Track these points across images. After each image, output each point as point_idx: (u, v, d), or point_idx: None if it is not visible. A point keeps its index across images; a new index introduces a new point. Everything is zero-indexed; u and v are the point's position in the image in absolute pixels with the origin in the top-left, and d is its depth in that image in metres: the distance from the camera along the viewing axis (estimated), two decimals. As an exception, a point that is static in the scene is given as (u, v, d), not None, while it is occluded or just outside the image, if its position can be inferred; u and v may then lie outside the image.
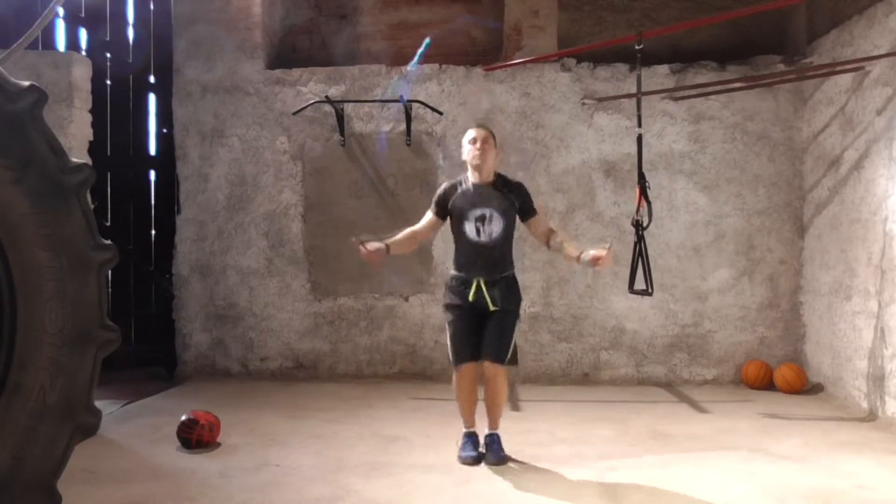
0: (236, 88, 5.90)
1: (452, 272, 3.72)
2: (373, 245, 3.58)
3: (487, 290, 3.58)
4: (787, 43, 5.83)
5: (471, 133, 3.70)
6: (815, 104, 5.45)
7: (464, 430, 3.78)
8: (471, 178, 3.71)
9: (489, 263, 3.62)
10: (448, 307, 3.72)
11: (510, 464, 3.63)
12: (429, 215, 3.79)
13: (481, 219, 3.60)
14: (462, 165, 3.84)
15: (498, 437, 3.73)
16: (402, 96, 5.52)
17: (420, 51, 5.60)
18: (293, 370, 5.88)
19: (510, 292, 3.67)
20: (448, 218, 3.73)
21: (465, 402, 3.73)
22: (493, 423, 3.75)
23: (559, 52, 5.58)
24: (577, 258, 3.56)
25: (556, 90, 5.74)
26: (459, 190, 3.70)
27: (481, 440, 3.75)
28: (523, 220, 3.73)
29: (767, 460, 3.71)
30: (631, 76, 5.56)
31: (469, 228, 3.62)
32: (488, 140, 3.66)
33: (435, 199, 3.78)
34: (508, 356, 3.61)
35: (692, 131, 5.70)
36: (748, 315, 5.68)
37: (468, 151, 3.68)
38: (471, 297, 3.59)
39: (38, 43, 6.19)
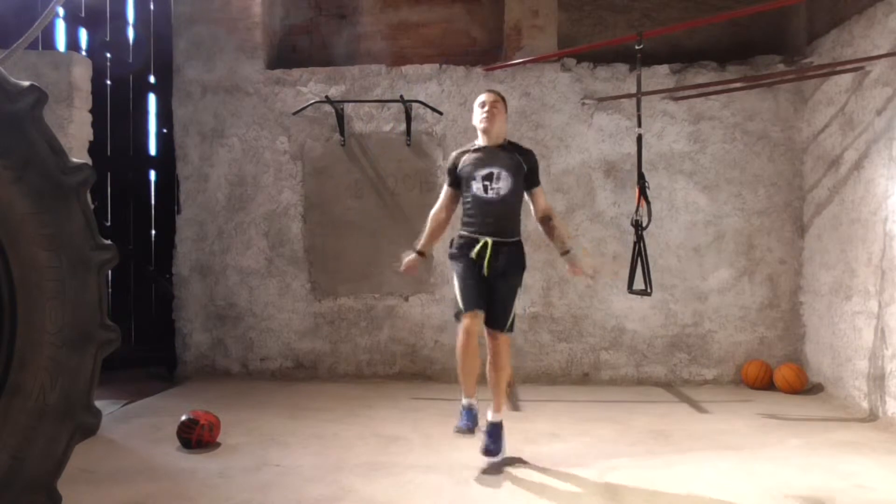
0: (236, 88, 5.90)
1: (460, 231, 3.69)
2: (406, 261, 3.71)
3: (493, 253, 3.54)
4: (787, 43, 5.83)
5: (481, 97, 3.73)
6: (815, 104, 5.45)
7: (462, 400, 3.64)
8: (480, 141, 3.73)
9: (497, 223, 3.60)
10: (454, 259, 3.68)
11: (510, 464, 3.62)
12: (445, 189, 3.82)
13: (489, 177, 3.60)
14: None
15: (500, 427, 3.65)
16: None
17: None
18: (293, 370, 5.88)
19: (516, 260, 3.65)
20: (460, 184, 3.73)
21: (467, 365, 3.56)
22: (497, 404, 3.66)
23: (559, 52, 5.58)
24: (562, 252, 3.70)
25: (556, 90, 5.74)
26: (467, 154, 3.72)
27: (480, 420, 3.71)
28: (527, 187, 3.72)
29: (767, 460, 3.71)
30: (631, 76, 5.56)
31: (476, 186, 3.61)
32: (497, 104, 3.68)
33: (447, 169, 3.82)
34: (510, 321, 3.62)
35: (692, 131, 5.70)
36: (748, 315, 5.68)
37: (477, 115, 3.71)
38: (475, 254, 3.55)
39: (38, 43, 6.19)
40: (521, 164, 3.67)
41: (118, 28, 6.51)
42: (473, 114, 3.77)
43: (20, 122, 2.04)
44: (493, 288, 3.58)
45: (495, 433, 3.66)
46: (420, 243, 3.81)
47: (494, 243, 3.56)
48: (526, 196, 3.76)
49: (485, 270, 3.55)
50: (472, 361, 3.57)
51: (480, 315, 3.54)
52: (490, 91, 3.79)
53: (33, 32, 2.53)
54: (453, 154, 3.82)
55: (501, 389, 3.69)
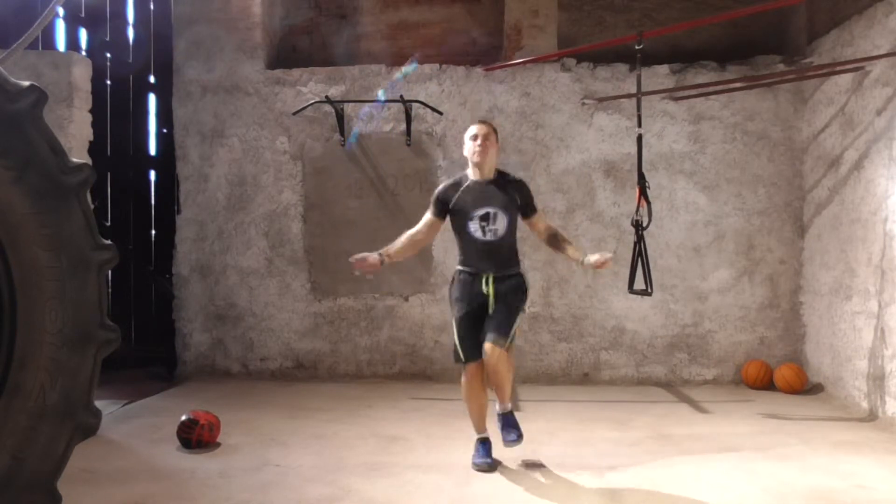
0: (236, 88, 5.90)
1: (459, 267, 3.67)
2: (367, 257, 3.60)
3: (495, 287, 3.54)
4: (787, 43, 5.83)
5: (472, 129, 3.64)
6: (815, 104, 5.45)
7: (476, 436, 3.68)
8: (471, 175, 3.66)
9: (496, 261, 3.59)
10: (455, 303, 3.66)
11: (509, 465, 3.62)
12: (427, 216, 3.72)
13: (485, 217, 3.56)
14: (462, 164, 3.83)
15: (510, 415, 3.60)
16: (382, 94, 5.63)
17: (406, 69, 5.69)
18: (293, 370, 5.88)
19: (517, 289, 3.63)
20: (448, 217, 3.67)
21: (475, 406, 3.63)
22: (502, 399, 3.59)
23: (559, 52, 5.58)
24: (581, 262, 3.61)
25: (556, 90, 5.74)
26: (461, 189, 3.64)
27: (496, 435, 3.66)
28: (524, 217, 3.69)
29: (767, 460, 3.71)
30: (631, 76, 5.56)
31: (473, 227, 3.57)
32: (490, 136, 3.61)
33: (434, 198, 3.71)
34: (508, 341, 3.50)
35: (692, 131, 5.70)
36: (748, 315, 5.68)
37: (469, 148, 3.63)
38: (483, 290, 3.54)
39: (38, 43, 6.19)
40: (515, 198, 3.62)
41: (118, 28, 6.51)
42: (465, 146, 3.66)
43: (20, 122, 2.04)
44: (493, 310, 3.54)
45: (511, 421, 3.59)
46: (388, 251, 3.66)
47: (496, 277, 3.56)
48: (525, 223, 3.72)
49: (490, 306, 3.54)
50: (479, 402, 3.62)
51: (482, 362, 3.52)
52: (482, 122, 3.70)
53: (33, 32, 2.53)
54: (444, 186, 3.73)
55: (507, 387, 3.58)
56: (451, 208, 3.64)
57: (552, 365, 5.74)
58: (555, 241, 3.71)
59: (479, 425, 3.68)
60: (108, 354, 2.24)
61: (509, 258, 3.65)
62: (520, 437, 3.56)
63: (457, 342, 3.60)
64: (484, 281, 3.55)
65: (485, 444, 3.66)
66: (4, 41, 3.58)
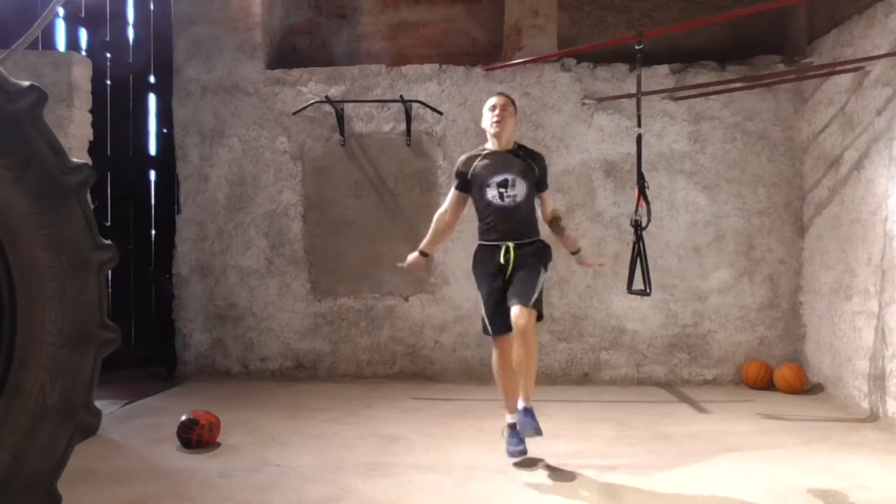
0: (236, 88, 5.90)
1: (479, 241, 3.70)
2: (410, 258, 3.75)
3: (515, 254, 3.55)
4: (787, 43, 5.83)
5: (491, 100, 3.69)
6: (815, 104, 5.45)
7: (507, 419, 3.67)
8: (490, 145, 3.70)
9: (515, 227, 3.60)
10: (478, 276, 3.69)
11: (510, 465, 3.61)
12: (451, 192, 3.80)
13: (503, 183, 3.58)
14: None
15: (531, 410, 3.49)
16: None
17: None
18: (293, 370, 5.88)
19: (537, 252, 3.63)
20: (470, 189, 3.71)
21: (507, 381, 3.61)
22: (526, 393, 3.50)
23: (559, 52, 5.58)
24: (573, 252, 3.71)
25: (556, 90, 5.74)
26: (479, 159, 3.68)
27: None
28: (537, 190, 3.72)
29: (767, 460, 3.71)
30: (631, 76, 5.56)
31: (492, 194, 3.60)
32: (508, 107, 3.65)
33: (455, 172, 3.78)
34: (534, 299, 3.47)
35: (692, 131, 5.70)
36: (748, 315, 5.68)
37: (487, 119, 3.67)
38: (502, 260, 3.55)
39: (38, 43, 6.19)
40: (533, 168, 3.66)
41: (118, 28, 6.51)
42: (483, 117, 3.73)
43: (20, 122, 2.04)
44: (514, 276, 3.55)
45: (530, 415, 3.48)
46: (423, 244, 3.82)
47: (516, 245, 3.58)
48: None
49: (509, 274, 3.55)
50: (511, 378, 3.61)
51: (510, 335, 3.53)
52: (500, 94, 3.75)
53: (33, 32, 2.53)
54: (463, 158, 3.77)
55: (532, 373, 3.52)
56: (469, 178, 3.68)
57: (552, 365, 5.74)
58: (557, 224, 3.76)
59: (511, 404, 3.62)
60: (108, 354, 2.24)
61: (528, 226, 3.66)
62: (537, 430, 3.45)
63: (484, 316, 3.65)
64: (503, 251, 3.56)
65: (517, 429, 3.59)
66: (4, 41, 3.58)
